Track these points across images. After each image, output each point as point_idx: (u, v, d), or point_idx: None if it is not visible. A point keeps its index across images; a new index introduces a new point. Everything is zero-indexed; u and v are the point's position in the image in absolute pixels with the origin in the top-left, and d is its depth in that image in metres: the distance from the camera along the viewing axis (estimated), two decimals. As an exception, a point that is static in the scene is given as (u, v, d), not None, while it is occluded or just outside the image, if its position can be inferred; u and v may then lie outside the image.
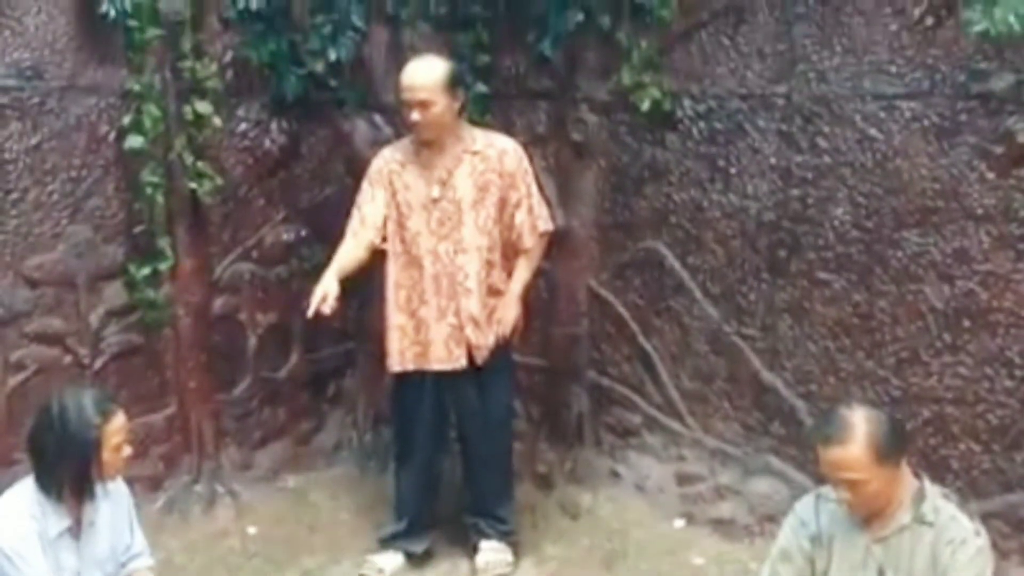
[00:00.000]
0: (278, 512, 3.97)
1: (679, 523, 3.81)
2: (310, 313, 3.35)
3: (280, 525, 3.91)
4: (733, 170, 3.70)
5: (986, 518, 3.04)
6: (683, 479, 3.89)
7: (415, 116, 3.45)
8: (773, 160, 3.61)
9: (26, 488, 2.62)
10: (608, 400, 4.08)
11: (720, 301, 3.78)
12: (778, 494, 3.59)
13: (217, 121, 3.77)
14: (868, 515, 2.58)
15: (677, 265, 3.87)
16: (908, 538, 2.54)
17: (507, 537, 3.71)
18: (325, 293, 3.34)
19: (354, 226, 3.57)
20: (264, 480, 4.08)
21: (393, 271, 3.58)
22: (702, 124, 3.75)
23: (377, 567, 3.66)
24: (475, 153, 3.54)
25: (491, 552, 3.67)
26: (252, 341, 4.07)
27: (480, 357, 3.56)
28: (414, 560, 3.70)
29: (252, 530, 3.86)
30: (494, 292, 3.58)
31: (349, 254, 3.52)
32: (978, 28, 3.02)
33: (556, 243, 3.94)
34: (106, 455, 2.59)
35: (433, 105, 3.43)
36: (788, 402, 3.65)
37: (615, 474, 4.03)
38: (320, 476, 4.19)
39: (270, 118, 4.03)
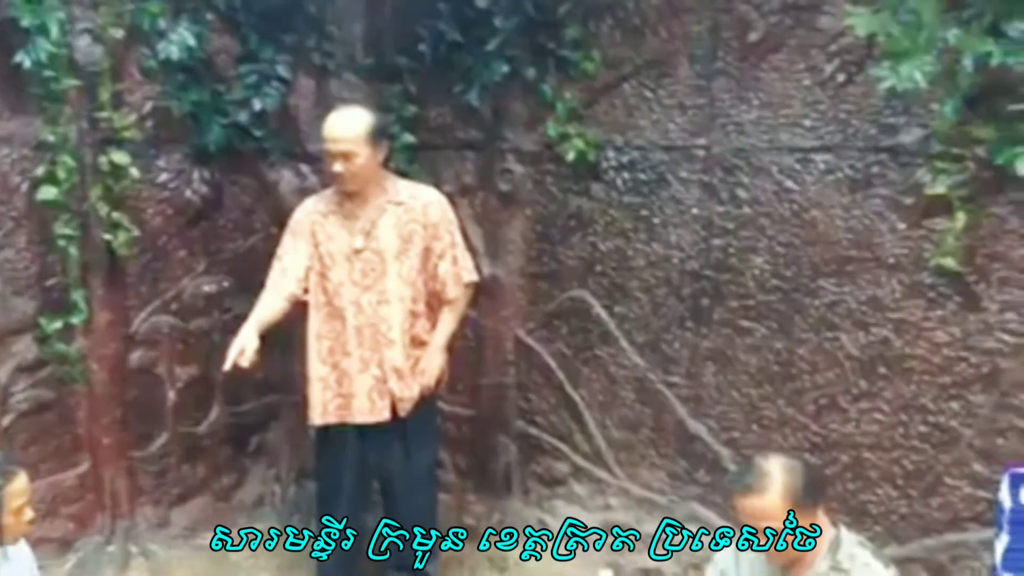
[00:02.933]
0: (195, 572, 3.86)
1: (606, 573, 3.77)
2: (227, 367, 3.29)
3: (197, 586, 3.83)
4: (657, 220, 3.75)
5: (905, 563, 3.11)
6: (610, 528, 3.88)
7: (337, 167, 3.44)
8: (695, 210, 3.67)
9: (-78, 554, 2.51)
10: (536, 450, 4.07)
11: (646, 350, 3.81)
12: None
13: (135, 172, 3.72)
14: (786, 563, 2.60)
15: (603, 314, 3.89)
16: (826, 586, 2.56)
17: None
18: (243, 347, 3.29)
19: (275, 278, 3.53)
20: (181, 538, 3.97)
21: (315, 322, 3.53)
22: (626, 175, 3.80)
23: (299, 627, 3.58)
24: (399, 204, 3.54)
25: (415, 608, 3.62)
26: (171, 395, 3.98)
27: (404, 409, 3.52)
28: (337, 618, 3.63)
29: (167, 591, 3.78)
30: (418, 343, 3.56)
31: (269, 306, 3.48)
32: (886, 84, 3.11)
33: (483, 292, 3.95)
34: (6, 519, 2.49)
35: (355, 156, 3.42)
36: (713, 450, 3.67)
37: (543, 524, 4.00)
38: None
39: (191, 168, 3.98)
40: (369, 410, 3.50)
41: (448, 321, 3.61)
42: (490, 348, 4.10)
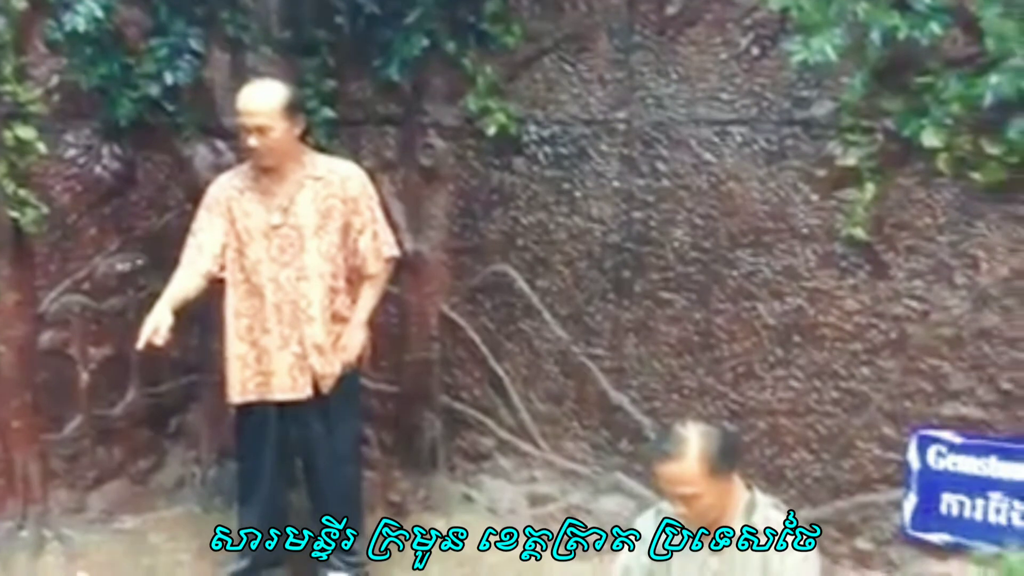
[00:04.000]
0: (112, 556, 3.79)
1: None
2: (140, 345, 3.24)
3: (114, 570, 3.74)
4: (578, 193, 3.77)
5: (818, 524, 3.19)
6: (535, 500, 3.90)
7: (253, 141, 3.39)
8: (616, 183, 3.69)
9: None
10: (461, 424, 4.07)
11: (568, 322, 3.83)
12: (626, 510, 3.63)
13: (41, 147, 3.61)
14: (704, 527, 2.65)
15: (526, 288, 3.90)
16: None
17: (357, 569, 3.64)
18: (157, 324, 3.23)
19: (190, 255, 3.47)
20: (98, 523, 3.90)
21: (233, 300, 3.48)
22: (547, 149, 3.81)
23: (220, 608, 3.54)
24: (317, 179, 3.49)
25: (339, 582, 3.61)
26: (84, 377, 3.89)
27: (325, 386, 3.49)
28: (259, 598, 3.60)
29: (84, 576, 3.70)
30: (339, 319, 3.53)
31: (184, 283, 3.42)
32: (798, 57, 3.16)
33: (406, 268, 3.93)
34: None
35: (271, 130, 3.37)
36: (635, 420, 3.72)
37: (468, 499, 4.02)
38: (160, 516, 4.02)
39: (101, 143, 3.88)
40: (290, 387, 3.46)
41: (369, 297, 3.58)
42: (414, 324, 4.09)
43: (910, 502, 3.23)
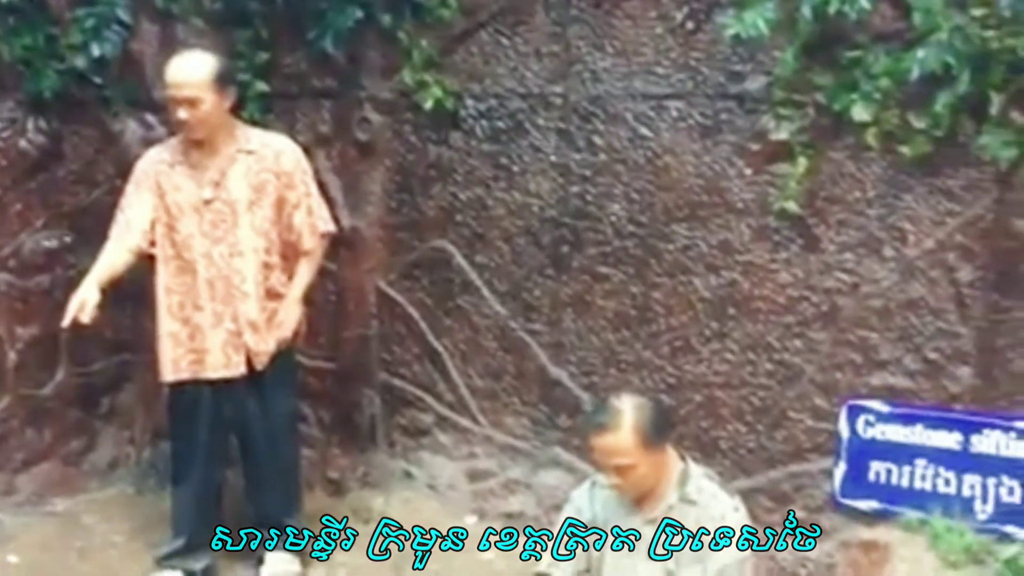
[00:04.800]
0: (44, 538, 3.72)
1: (471, 520, 3.83)
2: (65, 322, 3.17)
3: (46, 552, 3.66)
4: (516, 168, 3.76)
5: (751, 493, 3.25)
6: (474, 476, 3.91)
7: (182, 114, 3.31)
8: (554, 158, 3.69)
9: None
10: (400, 401, 4.05)
11: (507, 298, 3.83)
12: (565, 484, 3.63)
13: (-38, 121, 3.52)
14: (638, 497, 2.68)
15: (464, 263, 3.88)
16: (675, 517, 2.65)
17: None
18: (83, 301, 3.16)
19: (118, 230, 3.40)
20: (28, 505, 3.83)
21: (164, 276, 3.42)
22: (485, 123, 3.79)
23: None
24: (250, 153, 3.43)
25: (277, 563, 3.57)
26: (11, 356, 3.81)
27: (260, 363, 3.45)
28: (194, 578, 3.55)
29: (13, 559, 3.61)
30: (274, 295, 3.48)
31: (111, 259, 3.35)
32: (731, 31, 3.20)
33: (343, 244, 3.89)
34: None
35: (201, 103, 3.30)
36: (573, 394, 3.74)
37: (408, 475, 4.01)
38: (93, 498, 3.96)
39: (26, 117, 3.79)
40: (224, 365, 3.41)
41: (305, 273, 3.54)
42: (352, 300, 4.05)
43: (840, 470, 3.30)
